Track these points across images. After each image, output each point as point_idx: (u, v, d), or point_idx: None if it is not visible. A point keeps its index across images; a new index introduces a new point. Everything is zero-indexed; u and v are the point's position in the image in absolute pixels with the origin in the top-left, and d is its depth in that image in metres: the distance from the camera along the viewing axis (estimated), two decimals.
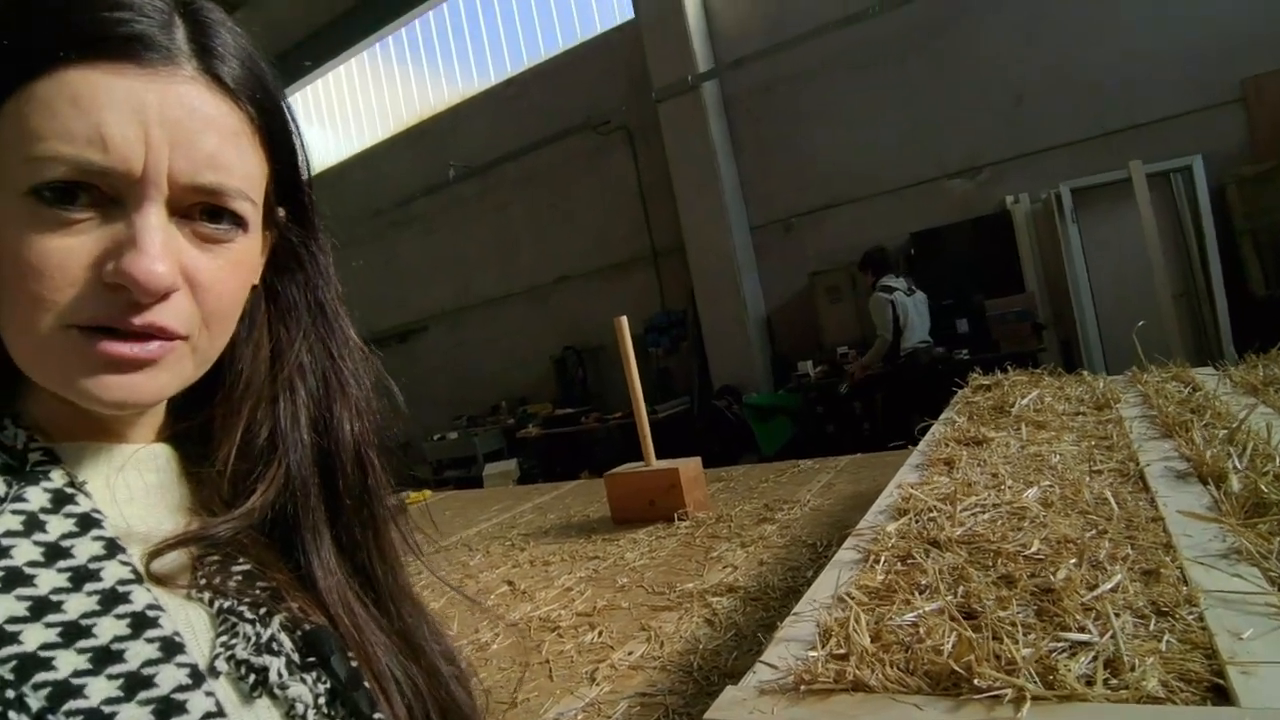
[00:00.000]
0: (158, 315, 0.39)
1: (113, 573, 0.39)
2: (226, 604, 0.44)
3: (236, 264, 0.44)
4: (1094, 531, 0.92)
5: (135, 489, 0.45)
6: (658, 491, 2.32)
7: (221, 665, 0.41)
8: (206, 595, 0.44)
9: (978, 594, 0.77)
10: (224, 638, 0.42)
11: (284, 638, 0.45)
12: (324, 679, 0.45)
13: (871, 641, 0.72)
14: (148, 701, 0.36)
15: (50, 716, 0.33)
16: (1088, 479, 1.16)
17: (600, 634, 1.49)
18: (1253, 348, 1.90)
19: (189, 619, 0.42)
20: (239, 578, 0.46)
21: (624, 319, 2.44)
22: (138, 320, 0.39)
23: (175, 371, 0.42)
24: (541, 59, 8.13)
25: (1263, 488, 0.94)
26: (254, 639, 0.43)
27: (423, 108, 9.34)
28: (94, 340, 0.38)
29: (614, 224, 7.76)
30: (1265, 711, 0.54)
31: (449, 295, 9.19)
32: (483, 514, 3.08)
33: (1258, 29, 4.87)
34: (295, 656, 0.44)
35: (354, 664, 0.47)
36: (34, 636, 0.34)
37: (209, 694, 0.38)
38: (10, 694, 0.33)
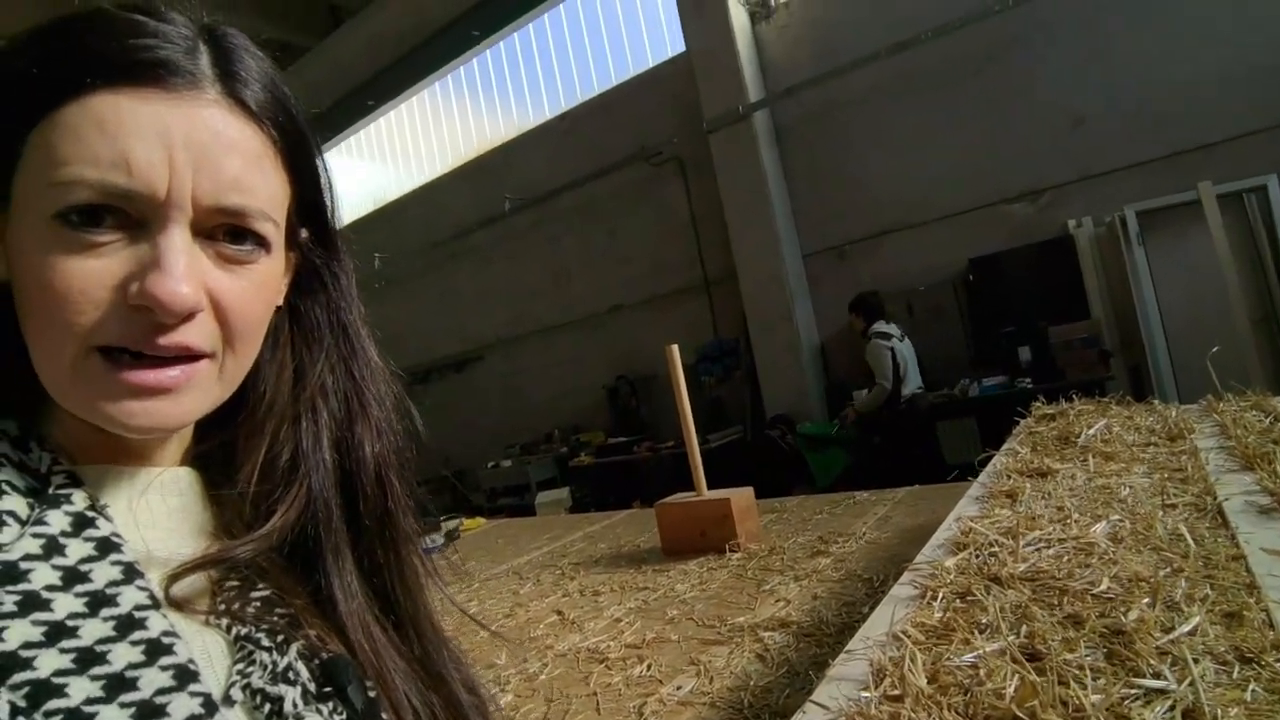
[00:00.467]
0: (182, 335, 0.40)
1: (130, 598, 0.39)
2: (244, 631, 0.44)
3: (260, 285, 0.44)
4: (1169, 570, 0.87)
5: (157, 512, 0.46)
6: (709, 522, 2.28)
7: (236, 694, 0.41)
8: (224, 621, 0.44)
9: (1042, 634, 0.73)
10: (240, 665, 0.42)
11: (301, 666, 0.44)
12: (340, 709, 0.44)
13: (928, 683, 0.69)
14: None
15: None
16: (1161, 513, 1.10)
17: (649, 667, 1.47)
18: None
19: (205, 645, 0.42)
20: (257, 604, 0.46)
21: (675, 348, 2.43)
22: (162, 340, 0.39)
23: (200, 394, 0.42)
24: (594, 93, 8.28)
25: None
26: (270, 667, 0.42)
27: (479, 142, 9.59)
28: (118, 368, 0.39)
29: (666, 253, 7.79)
30: None
31: (504, 324, 9.33)
32: (534, 542, 3.08)
33: None
34: (312, 686, 0.44)
35: (372, 693, 0.46)
36: (48, 662, 0.34)
37: None
38: None
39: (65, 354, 0.38)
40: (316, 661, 0.45)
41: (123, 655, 0.37)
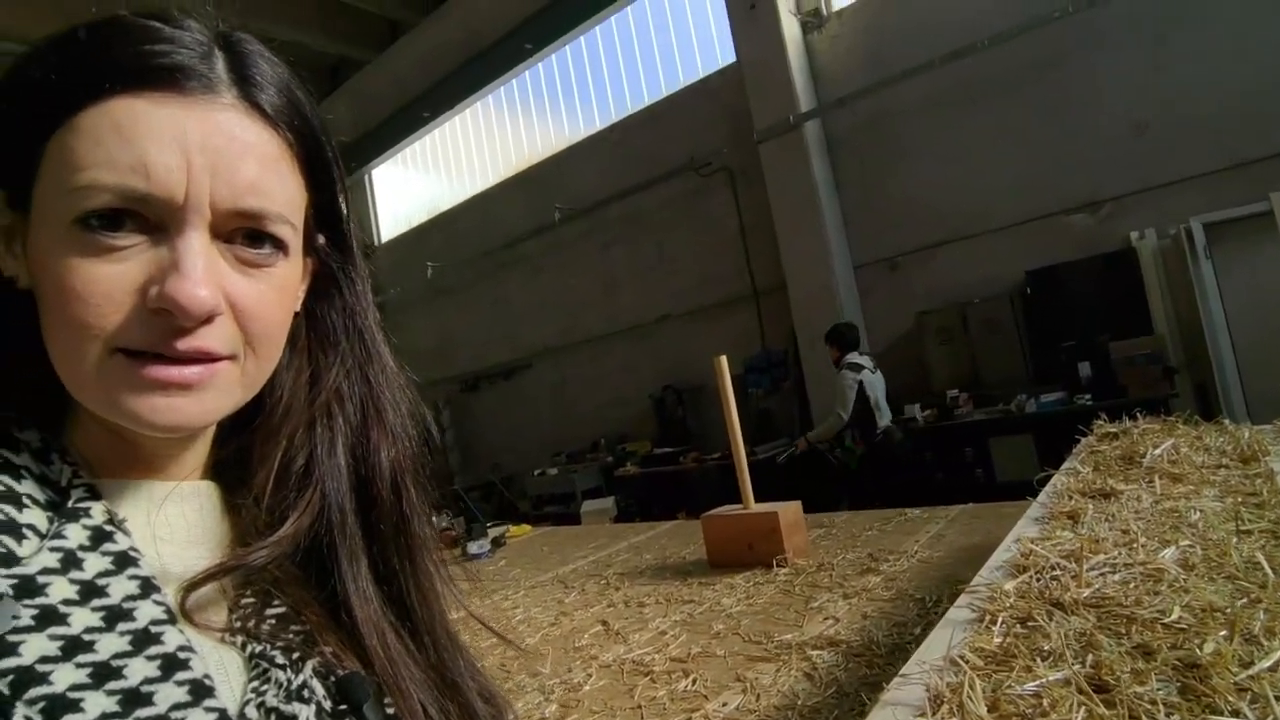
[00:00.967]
0: (201, 339, 0.40)
1: (146, 612, 0.39)
2: (259, 648, 0.44)
3: (278, 288, 0.44)
4: (1245, 600, 0.83)
5: (176, 526, 0.46)
6: (756, 536, 2.26)
7: (251, 712, 0.41)
8: (240, 639, 0.44)
9: (1109, 665, 0.70)
10: (255, 683, 0.42)
11: (316, 684, 0.44)
12: None
13: (989, 711, 0.66)
14: None
15: None
16: (1235, 540, 1.04)
17: (694, 681, 1.45)
18: None
19: (222, 661, 0.42)
20: (272, 620, 0.46)
21: (723, 358, 2.42)
22: (181, 344, 0.39)
23: (222, 394, 0.42)
24: (645, 104, 8.32)
25: None
26: (285, 685, 0.42)
27: (531, 153, 9.71)
28: (140, 365, 0.39)
29: (715, 263, 7.77)
30: None
31: (553, 333, 9.40)
32: (579, 551, 3.09)
33: None
34: (327, 704, 0.44)
35: (389, 711, 0.46)
36: (64, 677, 0.34)
37: None
38: None
39: (88, 356, 0.39)
40: (332, 679, 0.45)
41: (139, 670, 0.37)
